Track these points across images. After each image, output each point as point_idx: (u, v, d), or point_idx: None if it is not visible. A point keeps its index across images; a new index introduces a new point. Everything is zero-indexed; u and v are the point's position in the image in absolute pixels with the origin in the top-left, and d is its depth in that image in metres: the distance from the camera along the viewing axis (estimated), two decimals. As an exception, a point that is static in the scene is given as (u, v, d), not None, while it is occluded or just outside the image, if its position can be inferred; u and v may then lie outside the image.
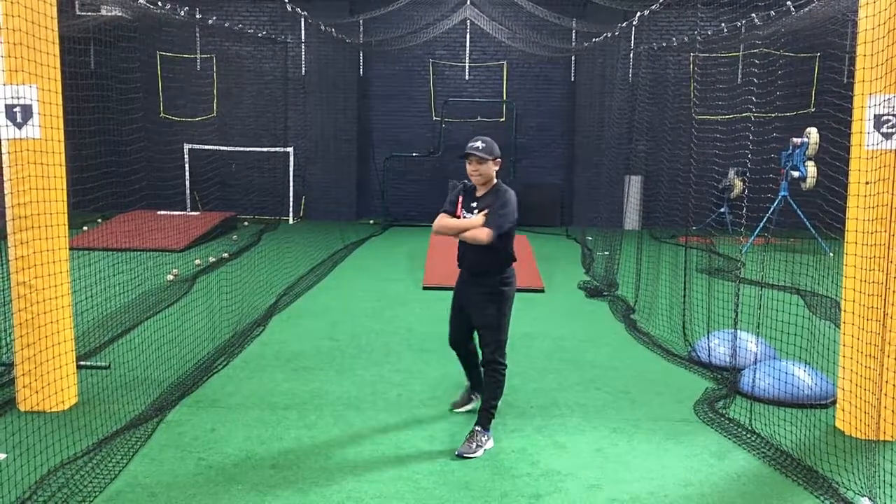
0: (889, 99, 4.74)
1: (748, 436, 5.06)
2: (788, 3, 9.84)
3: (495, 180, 5.00)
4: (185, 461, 4.57)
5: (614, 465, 4.65)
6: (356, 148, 17.10)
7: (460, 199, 5.04)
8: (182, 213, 15.04)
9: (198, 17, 13.14)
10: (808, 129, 12.48)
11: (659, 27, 15.96)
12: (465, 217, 4.96)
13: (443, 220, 5.00)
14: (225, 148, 16.39)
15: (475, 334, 5.19)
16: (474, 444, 4.75)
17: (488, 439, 4.84)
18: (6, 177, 5.01)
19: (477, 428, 4.84)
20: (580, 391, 6.01)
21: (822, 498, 4.20)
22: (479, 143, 4.92)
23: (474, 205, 4.97)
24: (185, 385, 5.83)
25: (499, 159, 4.96)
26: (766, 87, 8.17)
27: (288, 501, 4.11)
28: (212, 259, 11.26)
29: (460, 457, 4.66)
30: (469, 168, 4.92)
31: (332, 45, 16.00)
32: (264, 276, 9.77)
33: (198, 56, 16.87)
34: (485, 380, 4.98)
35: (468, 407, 5.48)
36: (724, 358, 6.37)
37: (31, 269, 5.04)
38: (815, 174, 12.20)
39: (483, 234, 4.76)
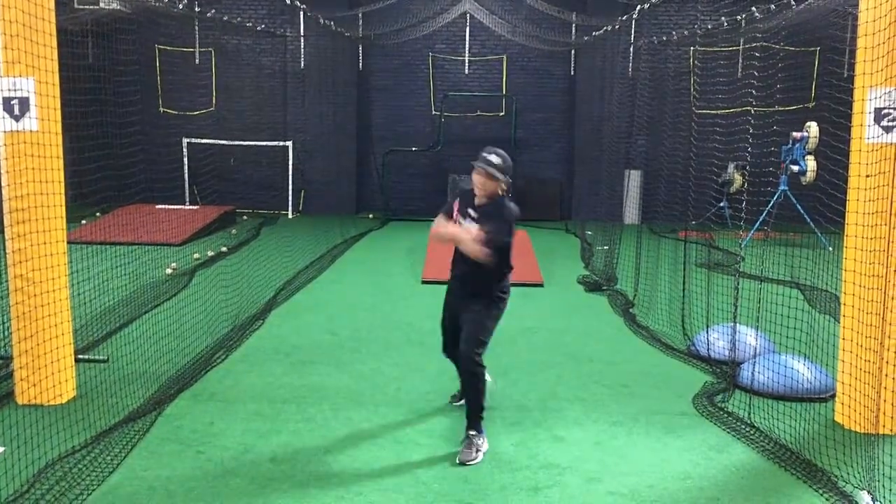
0: (889, 92, 4.72)
1: (747, 429, 5.05)
2: (789, -4, 9.82)
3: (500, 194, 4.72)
4: (184, 454, 4.57)
5: (613, 459, 4.65)
6: (355, 142, 17.07)
7: (457, 203, 4.82)
8: (181, 206, 15.02)
9: (196, 10, 13.10)
10: (808, 123, 12.46)
11: (659, 21, 15.92)
12: (461, 223, 4.69)
13: (440, 224, 4.73)
14: (224, 142, 16.35)
15: None
16: (473, 449, 4.60)
17: (484, 441, 4.69)
18: (3, 169, 4.99)
19: (472, 433, 4.67)
20: (579, 385, 6.00)
21: (820, 491, 4.20)
22: (494, 157, 4.59)
23: (471, 212, 4.70)
24: (184, 379, 5.82)
25: (509, 180, 4.69)
26: (766, 81, 8.15)
27: (286, 494, 4.11)
28: (210, 253, 11.25)
29: (462, 464, 4.50)
30: (475, 178, 4.61)
31: (331, 39, 15.94)
32: (263, 271, 9.75)
33: (196, 49, 16.82)
34: (466, 386, 4.76)
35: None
36: (724, 352, 6.37)
37: (28, 263, 5.02)
38: (815, 168, 12.19)
39: (481, 254, 4.47)
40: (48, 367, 5.14)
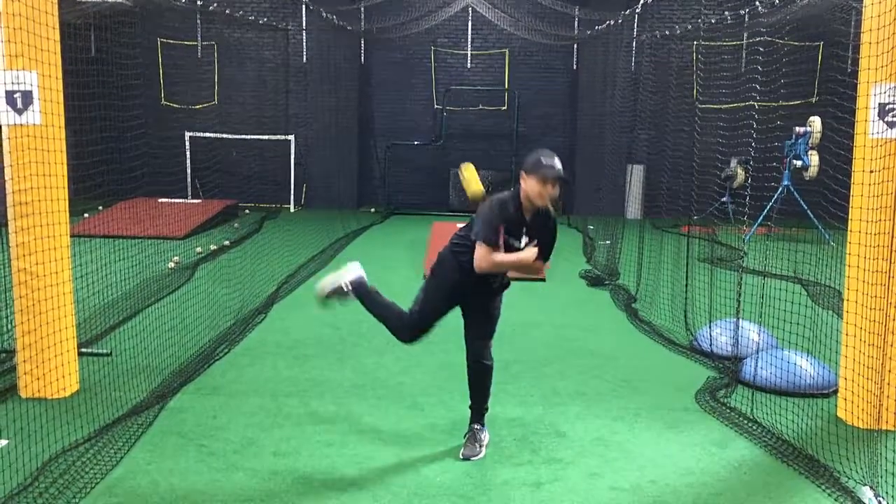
0: (894, 87, 4.71)
1: (750, 425, 5.05)
2: (792, -10, 9.79)
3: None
4: (187, 448, 4.58)
5: (615, 454, 4.65)
6: (357, 136, 17.06)
7: (501, 227, 4.34)
8: (183, 200, 15.02)
9: (199, 3, 13.08)
10: (811, 118, 12.44)
11: (662, 15, 15.87)
12: (517, 246, 4.44)
13: (496, 257, 4.32)
14: (226, 136, 16.35)
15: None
16: (477, 444, 4.61)
17: (487, 435, 4.71)
18: (7, 163, 4.99)
19: (476, 426, 4.69)
20: (581, 380, 6.00)
21: (823, 487, 4.20)
22: (558, 162, 4.35)
23: (525, 230, 4.48)
24: (187, 372, 5.83)
25: None
26: (769, 76, 8.14)
27: (289, 488, 4.12)
28: (213, 247, 11.26)
29: (466, 459, 4.51)
30: (550, 191, 4.38)
31: (334, 33, 15.93)
32: (265, 264, 9.76)
33: (199, 43, 16.80)
34: (476, 379, 4.65)
35: None
36: (726, 347, 6.37)
37: (31, 256, 5.03)
38: (818, 163, 12.17)
39: (541, 271, 4.63)
40: (51, 360, 5.14)
